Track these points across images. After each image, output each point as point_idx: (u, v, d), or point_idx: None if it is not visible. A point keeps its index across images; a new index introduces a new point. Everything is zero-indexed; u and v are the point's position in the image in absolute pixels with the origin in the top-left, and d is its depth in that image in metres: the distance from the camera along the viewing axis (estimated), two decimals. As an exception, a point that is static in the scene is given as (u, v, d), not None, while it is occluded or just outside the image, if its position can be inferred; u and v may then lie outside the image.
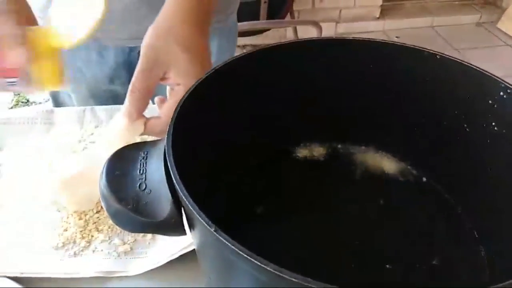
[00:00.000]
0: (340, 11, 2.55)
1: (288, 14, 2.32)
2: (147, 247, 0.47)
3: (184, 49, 0.43)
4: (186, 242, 0.44)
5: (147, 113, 0.45)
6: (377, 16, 2.58)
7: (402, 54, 0.36)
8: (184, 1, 0.46)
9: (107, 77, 0.76)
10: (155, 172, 0.28)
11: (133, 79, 0.44)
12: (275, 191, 0.41)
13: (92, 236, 0.47)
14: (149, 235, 0.48)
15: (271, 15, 2.24)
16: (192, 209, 0.23)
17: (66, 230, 0.47)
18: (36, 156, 0.56)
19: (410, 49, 0.36)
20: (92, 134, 0.61)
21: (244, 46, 2.54)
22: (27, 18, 0.36)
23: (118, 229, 0.48)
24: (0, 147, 0.58)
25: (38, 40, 0.36)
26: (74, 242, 0.47)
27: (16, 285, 0.42)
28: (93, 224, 0.48)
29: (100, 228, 0.48)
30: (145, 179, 0.28)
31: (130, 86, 0.45)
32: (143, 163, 0.29)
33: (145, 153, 0.29)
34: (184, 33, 0.44)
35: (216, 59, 0.74)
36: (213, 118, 0.33)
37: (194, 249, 0.44)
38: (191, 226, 0.26)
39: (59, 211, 0.49)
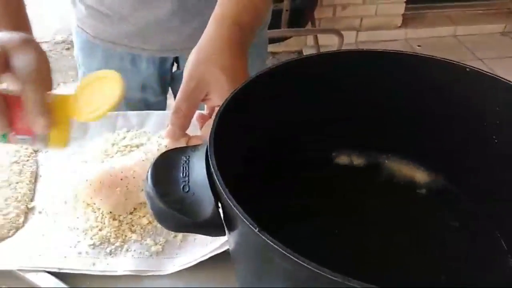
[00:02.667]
0: (362, 19, 2.55)
1: (309, 22, 2.34)
2: (178, 248, 0.49)
3: (225, 72, 0.47)
4: (216, 244, 0.46)
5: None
6: (399, 24, 2.57)
7: (440, 68, 0.37)
8: (227, 25, 0.49)
9: (139, 85, 0.79)
10: (197, 175, 0.30)
11: (177, 99, 0.48)
12: (310, 195, 0.42)
13: (126, 236, 0.49)
14: (180, 236, 0.50)
15: (292, 23, 2.26)
16: (237, 211, 0.24)
17: (101, 230, 0.50)
18: (74, 159, 0.59)
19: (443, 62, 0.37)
20: (124, 138, 0.63)
21: (265, 54, 2.56)
22: (47, 82, 0.37)
23: (150, 230, 0.50)
24: (40, 149, 0.61)
25: (57, 109, 0.38)
26: (109, 241, 0.49)
27: (55, 280, 0.44)
28: (126, 224, 0.50)
29: (133, 228, 0.50)
30: (188, 182, 0.30)
31: (174, 107, 0.48)
32: (185, 167, 0.30)
33: (187, 157, 0.31)
34: (225, 56, 0.47)
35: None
36: (253, 122, 0.35)
37: (223, 251, 0.45)
38: (231, 227, 0.28)
39: (94, 211, 0.51)
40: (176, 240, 0.49)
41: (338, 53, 0.39)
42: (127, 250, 0.48)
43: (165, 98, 0.88)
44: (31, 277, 0.45)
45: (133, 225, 0.50)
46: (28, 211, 0.53)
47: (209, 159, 0.28)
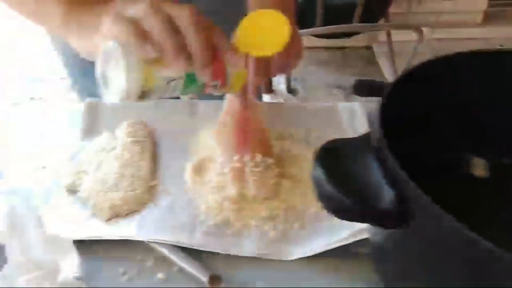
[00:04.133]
0: (438, 15, 2.43)
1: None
2: (297, 236, 0.49)
3: None
4: (342, 234, 0.46)
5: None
6: (479, 22, 2.42)
7: None
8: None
9: None
10: (368, 165, 0.30)
11: None
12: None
13: (246, 221, 0.51)
14: (297, 225, 0.50)
15: (365, 18, 2.20)
16: (433, 207, 0.24)
17: (222, 212, 0.52)
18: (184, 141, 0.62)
19: None
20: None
21: (329, 49, 2.54)
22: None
23: (270, 217, 0.51)
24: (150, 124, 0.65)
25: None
26: (230, 224, 0.51)
27: (183, 254, 0.47)
28: (245, 211, 0.52)
29: (252, 214, 0.52)
30: (358, 171, 0.30)
31: None
32: (355, 156, 0.31)
33: (356, 146, 0.31)
34: None
35: None
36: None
37: (345, 244, 0.46)
38: (420, 221, 0.27)
39: (213, 193, 0.53)
40: (294, 228, 0.50)
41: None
42: (248, 234, 0.50)
43: None
44: (162, 249, 0.48)
45: (253, 211, 0.52)
46: (151, 189, 0.56)
47: (385, 151, 0.28)
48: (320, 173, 0.30)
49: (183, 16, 0.39)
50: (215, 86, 0.44)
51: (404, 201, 0.27)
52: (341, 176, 0.30)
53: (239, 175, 0.53)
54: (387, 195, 0.28)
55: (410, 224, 0.28)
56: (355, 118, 0.66)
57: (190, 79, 0.42)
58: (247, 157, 0.54)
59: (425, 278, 0.30)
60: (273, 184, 0.54)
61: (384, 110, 0.32)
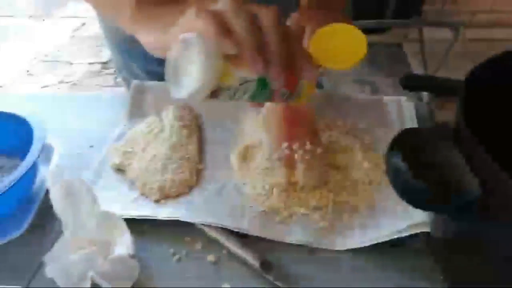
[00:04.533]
0: (474, 14, 2.36)
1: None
2: (345, 227, 0.49)
3: None
4: (395, 228, 0.45)
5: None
6: (517, 22, 2.35)
7: None
8: None
9: None
10: (448, 154, 0.29)
11: None
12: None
13: (293, 209, 0.50)
14: (346, 216, 0.50)
15: (398, 14, 2.16)
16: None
17: (269, 199, 0.51)
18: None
19: None
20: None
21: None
22: None
23: (318, 206, 0.50)
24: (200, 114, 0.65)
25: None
26: (278, 211, 0.50)
27: (234, 238, 0.47)
28: (293, 199, 0.51)
29: (300, 203, 0.51)
30: (437, 159, 0.29)
31: None
32: (434, 145, 0.30)
33: (433, 135, 0.30)
34: None
35: None
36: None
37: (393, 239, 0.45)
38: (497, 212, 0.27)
39: (261, 180, 0.53)
40: (343, 219, 0.50)
41: None
42: (295, 221, 0.49)
43: None
44: (211, 232, 0.48)
45: (300, 200, 0.51)
46: (198, 172, 0.56)
47: (469, 141, 0.27)
48: (398, 161, 0.29)
49: (267, 17, 0.38)
50: (283, 95, 0.43)
51: (489, 192, 0.27)
52: (421, 164, 0.29)
53: (289, 163, 0.52)
54: (471, 184, 0.27)
55: (492, 216, 0.27)
56: (402, 111, 0.65)
57: (262, 83, 0.40)
58: (296, 145, 0.53)
59: (502, 279, 0.29)
60: (322, 173, 0.53)
61: (465, 101, 0.31)
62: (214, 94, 0.38)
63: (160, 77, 0.78)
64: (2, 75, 2.36)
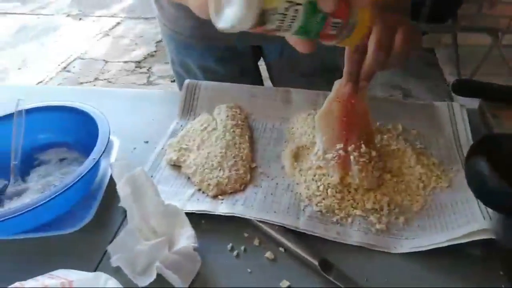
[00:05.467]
0: (511, 21, 2.31)
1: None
2: (402, 229, 0.49)
3: None
4: (455, 234, 0.45)
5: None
6: (557, 29, 2.27)
7: None
8: None
9: (238, 70, 0.83)
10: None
11: None
12: None
13: (348, 210, 0.51)
14: (402, 219, 0.50)
15: (432, 18, 2.13)
16: None
17: (324, 199, 0.52)
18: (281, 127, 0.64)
19: None
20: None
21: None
22: None
23: (374, 208, 0.51)
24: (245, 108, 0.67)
25: None
26: (334, 212, 0.51)
27: (292, 235, 0.47)
28: (348, 201, 0.52)
29: (354, 205, 0.51)
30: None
31: None
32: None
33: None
34: None
35: None
36: None
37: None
38: None
39: (315, 181, 0.54)
40: (398, 222, 0.50)
41: None
42: (351, 222, 0.50)
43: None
44: (268, 229, 0.49)
45: (355, 202, 0.51)
46: (251, 170, 0.57)
47: None
48: (482, 166, 0.29)
49: None
50: (335, 26, 0.41)
51: None
52: (506, 170, 0.29)
53: (344, 164, 0.53)
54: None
55: None
56: (454, 117, 0.64)
57: (311, 8, 0.38)
58: (351, 147, 0.53)
59: None
60: (376, 176, 0.53)
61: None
62: (263, 18, 0.36)
63: (213, 73, 0.81)
64: (41, 72, 2.45)
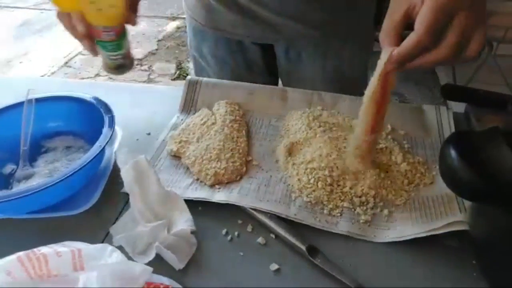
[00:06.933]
0: (507, 30, 2.35)
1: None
2: (385, 221, 0.52)
3: None
4: (434, 225, 0.49)
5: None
6: (551, 41, 2.32)
7: None
8: None
9: (246, 65, 0.87)
10: (500, 153, 0.32)
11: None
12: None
13: (337, 202, 0.54)
14: (386, 211, 0.53)
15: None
16: None
17: (314, 191, 0.55)
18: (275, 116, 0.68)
19: None
20: (320, 115, 0.69)
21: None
22: None
23: (360, 201, 0.54)
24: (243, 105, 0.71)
25: None
26: (323, 203, 0.54)
27: (284, 223, 0.51)
28: (336, 193, 0.55)
29: (342, 198, 0.55)
30: (491, 158, 0.33)
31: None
32: (486, 145, 0.33)
33: (485, 136, 0.34)
34: None
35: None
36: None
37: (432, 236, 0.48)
38: None
39: (306, 174, 0.57)
40: (382, 214, 0.53)
41: None
42: (340, 214, 0.53)
43: (275, 83, 0.93)
44: (260, 216, 0.52)
45: (343, 195, 0.55)
46: (247, 163, 0.61)
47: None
48: (454, 158, 0.33)
49: None
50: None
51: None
52: (476, 162, 0.32)
53: (366, 152, 0.55)
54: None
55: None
56: (441, 119, 0.68)
57: None
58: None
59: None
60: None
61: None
62: None
63: (224, 63, 0.86)
64: (42, 66, 2.47)
